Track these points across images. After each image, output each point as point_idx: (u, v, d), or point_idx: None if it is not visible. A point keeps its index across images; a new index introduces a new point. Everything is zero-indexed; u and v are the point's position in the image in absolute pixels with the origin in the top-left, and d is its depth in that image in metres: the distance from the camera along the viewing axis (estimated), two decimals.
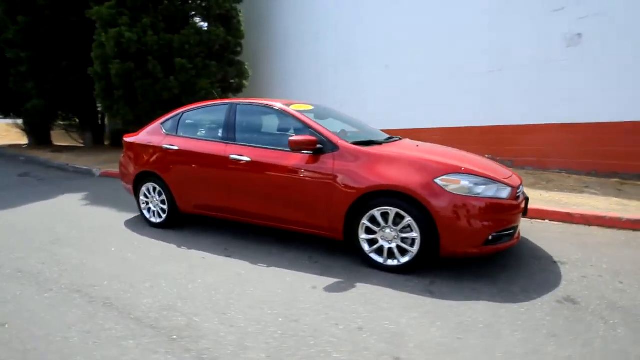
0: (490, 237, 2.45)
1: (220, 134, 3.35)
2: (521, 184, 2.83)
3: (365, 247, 2.70)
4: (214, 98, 8.24)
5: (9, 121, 13.23)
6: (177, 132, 3.65)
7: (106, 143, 11.58)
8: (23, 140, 12.56)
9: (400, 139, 3.36)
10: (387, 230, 2.59)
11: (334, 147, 2.79)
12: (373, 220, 2.63)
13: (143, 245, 3.34)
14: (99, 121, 11.49)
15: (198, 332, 1.97)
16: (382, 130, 3.70)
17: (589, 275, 2.56)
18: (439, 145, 3.32)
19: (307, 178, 2.83)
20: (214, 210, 3.41)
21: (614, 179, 4.96)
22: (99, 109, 10.78)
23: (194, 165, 3.42)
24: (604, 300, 2.24)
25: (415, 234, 2.50)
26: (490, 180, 2.52)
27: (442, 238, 2.45)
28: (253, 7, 9.65)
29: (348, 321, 2.05)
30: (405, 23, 7.19)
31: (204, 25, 8.72)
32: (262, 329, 2.00)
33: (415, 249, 2.53)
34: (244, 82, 9.10)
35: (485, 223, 2.43)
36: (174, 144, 3.55)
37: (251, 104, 3.40)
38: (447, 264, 2.73)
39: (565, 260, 2.82)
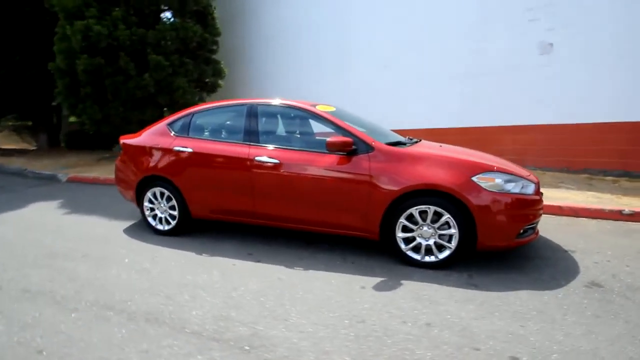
0: (521, 231, 2.64)
1: (241, 136, 3.22)
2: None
3: (402, 245, 2.76)
4: (192, 97, 7.93)
5: None
6: (188, 133, 3.45)
7: (62, 145, 10.57)
8: None
9: (420, 140, 3.47)
10: (425, 228, 2.68)
11: (369, 147, 2.82)
12: (410, 218, 2.70)
13: (158, 254, 3.12)
14: (54, 120, 10.45)
15: (269, 341, 1.90)
16: None
17: (600, 262, 2.84)
18: (457, 146, 3.47)
19: (342, 179, 2.83)
20: (234, 214, 3.28)
21: (583, 175, 5.53)
22: (54, 107, 9.81)
23: (211, 169, 3.26)
24: (623, 282, 2.50)
25: (453, 230, 2.62)
26: (519, 177, 2.71)
27: (479, 233, 2.58)
28: (225, 3, 9.33)
29: (413, 318, 2.10)
30: (388, 27, 7.39)
31: (175, 21, 8.27)
32: (333, 332, 1.98)
33: (453, 245, 2.64)
34: (220, 81, 8.80)
35: (517, 217, 2.62)
36: (187, 145, 3.36)
37: (275, 105, 3.31)
38: (473, 257, 2.88)
39: (574, 249, 3.10)
